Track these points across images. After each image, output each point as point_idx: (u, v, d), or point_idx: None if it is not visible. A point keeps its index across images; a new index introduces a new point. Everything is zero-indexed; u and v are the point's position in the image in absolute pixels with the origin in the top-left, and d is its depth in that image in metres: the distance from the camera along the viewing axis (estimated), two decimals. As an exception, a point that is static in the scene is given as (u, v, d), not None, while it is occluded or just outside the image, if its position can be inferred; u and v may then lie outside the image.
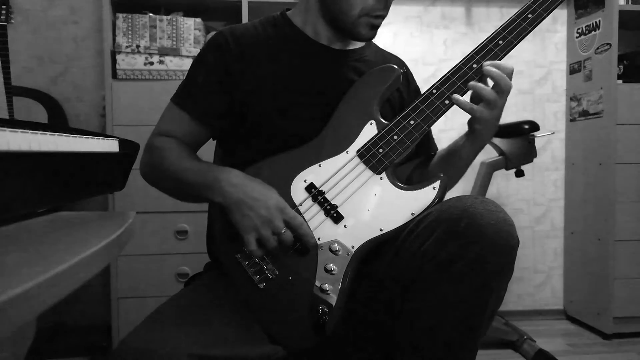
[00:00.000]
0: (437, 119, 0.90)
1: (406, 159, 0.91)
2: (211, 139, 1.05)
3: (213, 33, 1.02)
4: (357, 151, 0.90)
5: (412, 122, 0.89)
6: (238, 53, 0.97)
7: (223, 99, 0.97)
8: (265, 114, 0.95)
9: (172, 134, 0.99)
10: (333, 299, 0.83)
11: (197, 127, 0.99)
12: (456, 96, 0.88)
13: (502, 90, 0.87)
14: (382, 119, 0.92)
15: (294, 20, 1.03)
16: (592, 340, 2.18)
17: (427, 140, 1.08)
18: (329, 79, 0.99)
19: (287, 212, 0.84)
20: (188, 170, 0.92)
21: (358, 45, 1.06)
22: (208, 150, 1.06)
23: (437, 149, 1.10)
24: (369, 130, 0.91)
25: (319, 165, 0.90)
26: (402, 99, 1.05)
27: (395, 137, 0.89)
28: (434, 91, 0.90)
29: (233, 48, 0.97)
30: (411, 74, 1.12)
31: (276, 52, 0.99)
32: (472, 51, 0.90)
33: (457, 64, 0.90)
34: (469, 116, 0.92)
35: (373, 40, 1.07)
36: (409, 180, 1.06)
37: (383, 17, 0.96)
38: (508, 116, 2.31)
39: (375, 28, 0.96)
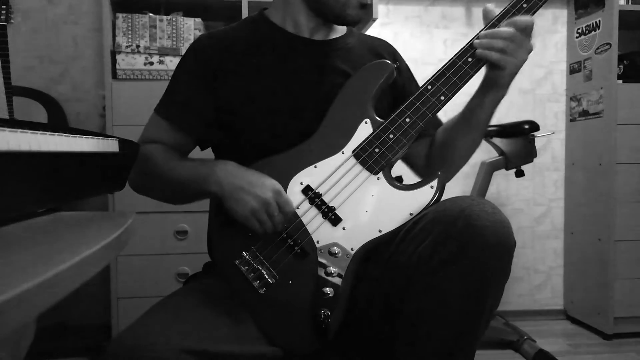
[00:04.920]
0: (433, 116, 0.89)
1: (416, 139, 0.90)
2: (200, 148, 1.05)
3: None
4: (353, 151, 0.89)
5: (407, 119, 0.88)
6: (218, 57, 0.96)
7: (205, 105, 0.96)
8: (254, 116, 0.94)
9: (158, 141, 0.99)
10: (334, 302, 0.83)
11: (180, 136, 0.99)
12: (478, 45, 0.86)
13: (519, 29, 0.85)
14: (377, 117, 0.91)
15: (272, 18, 1.02)
16: (592, 340, 2.18)
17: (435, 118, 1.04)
18: (316, 71, 0.98)
19: (282, 196, 0.85)
20: (180, 168, 0.92)
21: (340, 34, 1.04)
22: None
23: (441, 124, 1.08)
24: (364, 129, 0.90)
25: (315, 167, 0.89)
26: (396, 88, 1.03)
27: (391, 135, 0.88)
28: (429, 87, 0.89)
29: (212, 53, 0.97)
30: (398, 53, 1.10)
31: (257, 52, 0.98)
32: (466, 44, 0.89)
33: (452, 59, 0.89)
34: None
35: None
36: (429, 154, 1.04)
37: None
38: (508, 116, 2.31)
39: (363, 7, 0.95)
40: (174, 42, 1.96)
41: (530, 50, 0.86)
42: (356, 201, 0.87)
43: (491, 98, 0.91)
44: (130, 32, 1.94)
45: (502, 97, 0.91)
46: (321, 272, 0.85)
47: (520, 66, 0.86)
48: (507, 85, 0.90)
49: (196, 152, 1.07)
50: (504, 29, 0.85)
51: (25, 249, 0.44)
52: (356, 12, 0.95)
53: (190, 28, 1.98)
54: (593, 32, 2.27)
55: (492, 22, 0.89)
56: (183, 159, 0.96)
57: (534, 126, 1.98)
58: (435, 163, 1.03)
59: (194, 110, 0.97)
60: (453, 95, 0.88)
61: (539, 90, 2.47)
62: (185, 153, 1.02)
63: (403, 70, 1.07)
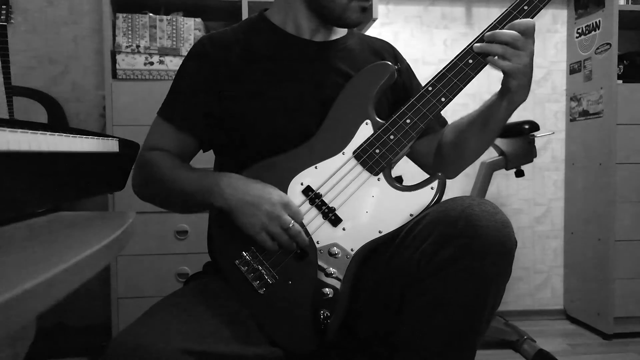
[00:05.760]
0: (434, 117, 0.89)
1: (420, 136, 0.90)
2: (202, 151, 1.04)
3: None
4: (354, 152, 0.89)
5: (408, 121, 0.88)
6: (218, 58, 0.96)
7: (207, 106, 0.96)
8: (255, 117, 0.94)
9: (162, 148, 0.99)
10: (334, 303, 0.83)
11: (183, 138, 0.99)
12: (477, 49, 0.87)
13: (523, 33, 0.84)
14: (377, 118, 0.91)
15: (273, 19, 1.01)
16: (592, 340, 2.18)
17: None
18: (316, 73, 0.97)
19: (291, 207, 0.84)
20: (185, 180, 0.92)
21: (340, 34, 1.04)
22: (209, 163, 1.06)
23: (446, 122, 1.08)
24: (365, 130, 0.90)
25: (315, 167, 0.89)
26: (397, 88, 1.03)
27: (392, 136, 0.88)
28: (430, 88, 0.89)
29: (213, 54, 0.97)
30: (399, 54, 1.10)
31: (258, 53, 0.98)
32: (467, 46, 0.89)
33: (453, 60, 0.89)
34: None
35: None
36: (438, 152, 1.04)
37: None
38: (508, 116, 2.31)
39: (364, 11, 0.95)
40: (174, 42, 1.96)
41: (531, 54, 0.85)
42: (356, 202, 0.87)
43: (506, 103, 0.90)
44: (130, 32, 1.94)
45: (518, 102, 0.89)
46: (321, 273, 0.85)
47: (525, 70, 0.85)
48: (519, 90, 0.87)
49: (198, 154, 1.07)
50: (503, 31, 0.85)
51: (25, 249, 0.44)
52: (357, 16, 0.94)
53: (190, 28, 1.98)
54: (593, 32, 2.27)
55: (492, 25, 0.89)
56: (187, 169, 0.96)
57: (534, 126, 1.98)
58: (446, 161, 1.04)
59: (197, 112, 0.97)
60: (454, 96, 0.88)
61: (539, 90, 2.48)
62: (190, 157, 1.02)
63: (404, 71, 1.07)
